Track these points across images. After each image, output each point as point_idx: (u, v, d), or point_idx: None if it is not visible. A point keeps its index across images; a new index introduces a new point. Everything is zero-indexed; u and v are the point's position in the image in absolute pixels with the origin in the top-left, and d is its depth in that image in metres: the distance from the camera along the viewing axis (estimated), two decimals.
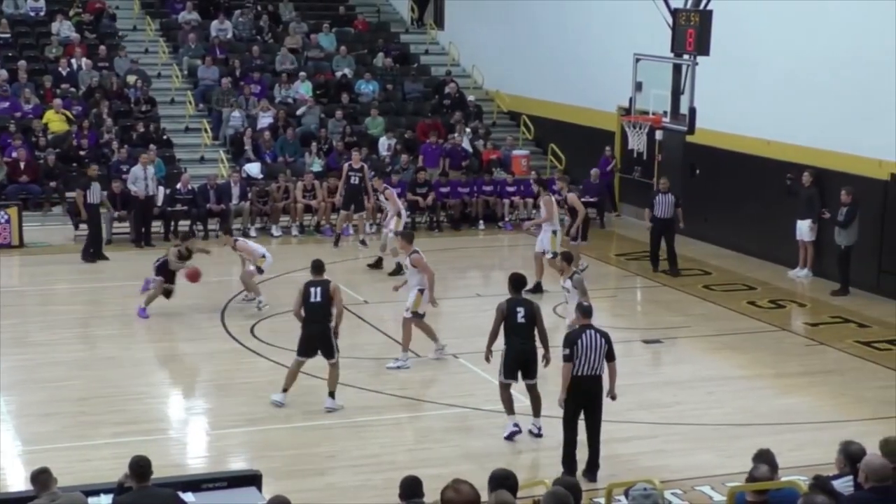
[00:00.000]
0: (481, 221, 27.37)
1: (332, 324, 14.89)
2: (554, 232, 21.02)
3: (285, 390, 15.11)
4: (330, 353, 14.91)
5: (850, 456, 9.17)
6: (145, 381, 16.39)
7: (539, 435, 13.90)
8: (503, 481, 8.20)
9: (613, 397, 13.06)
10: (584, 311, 13.14)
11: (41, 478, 8.81)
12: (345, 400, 15.28)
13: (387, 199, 22.77)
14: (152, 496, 8.81)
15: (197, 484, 9.75)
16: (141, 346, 17.95)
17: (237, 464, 13.31)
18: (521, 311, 13.93)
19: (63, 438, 13.74)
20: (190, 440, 14.45)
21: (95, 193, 23.40)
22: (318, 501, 12.07)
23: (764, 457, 9.29)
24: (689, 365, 17.79)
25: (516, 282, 14.32)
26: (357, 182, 24.31)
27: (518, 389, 14.14)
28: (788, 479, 9.42)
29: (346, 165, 24.84)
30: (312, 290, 14.91)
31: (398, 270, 21.46)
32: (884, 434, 14.00)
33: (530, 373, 13.90)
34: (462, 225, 27.30)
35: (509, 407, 13.98)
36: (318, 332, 14.90)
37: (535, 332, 13.93)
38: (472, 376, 16.48)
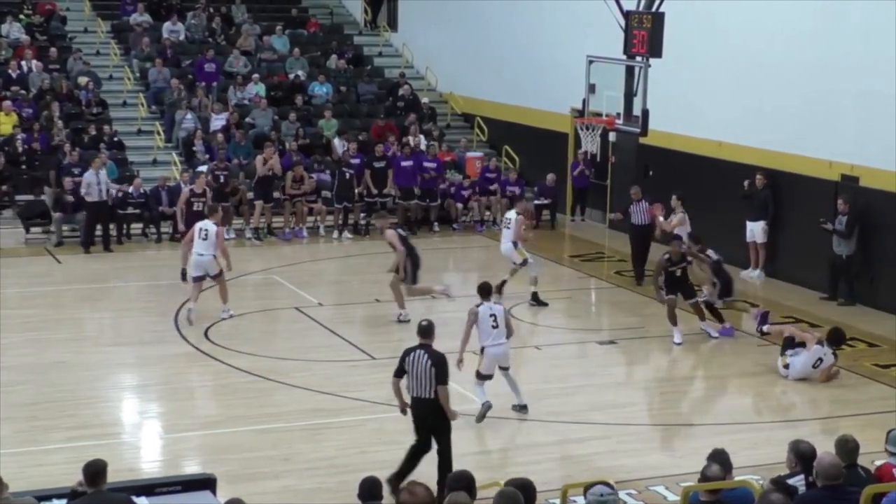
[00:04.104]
0: (436, 223, 27.34)
1: None
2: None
3: None
4: None
5: (801, 454, 9.23)
6: (98, 384, 16.27)
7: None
8: (456, 483, 8.17)
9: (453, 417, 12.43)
10: (421, 330, 12.46)
11: None
12: (299, 402, 15.29)
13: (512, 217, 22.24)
14: (106, 501, 8.74)
15: (151, 488, 9.66)
16: (93, 349, 17.81)
17: (191, 467, 13.25)
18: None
19: (15, 443, 13.60)
20: (144, 444, 14.36)
21: None
22: None
23: (718, 457, 9.35)
24: (643, 365, 17.88)
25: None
26: (200, 208, 21.90)
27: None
28: (742, 479, 9.47)
29: (187, 190, 22.99)
30: None
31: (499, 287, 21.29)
32: (836, 433, 14.19)
33: None
34: (416, 227, 27.25)
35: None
36: None
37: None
38: None
